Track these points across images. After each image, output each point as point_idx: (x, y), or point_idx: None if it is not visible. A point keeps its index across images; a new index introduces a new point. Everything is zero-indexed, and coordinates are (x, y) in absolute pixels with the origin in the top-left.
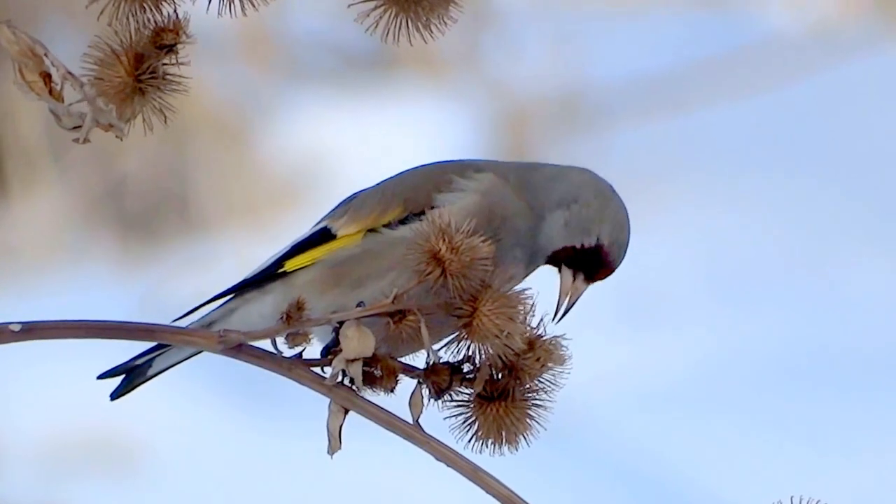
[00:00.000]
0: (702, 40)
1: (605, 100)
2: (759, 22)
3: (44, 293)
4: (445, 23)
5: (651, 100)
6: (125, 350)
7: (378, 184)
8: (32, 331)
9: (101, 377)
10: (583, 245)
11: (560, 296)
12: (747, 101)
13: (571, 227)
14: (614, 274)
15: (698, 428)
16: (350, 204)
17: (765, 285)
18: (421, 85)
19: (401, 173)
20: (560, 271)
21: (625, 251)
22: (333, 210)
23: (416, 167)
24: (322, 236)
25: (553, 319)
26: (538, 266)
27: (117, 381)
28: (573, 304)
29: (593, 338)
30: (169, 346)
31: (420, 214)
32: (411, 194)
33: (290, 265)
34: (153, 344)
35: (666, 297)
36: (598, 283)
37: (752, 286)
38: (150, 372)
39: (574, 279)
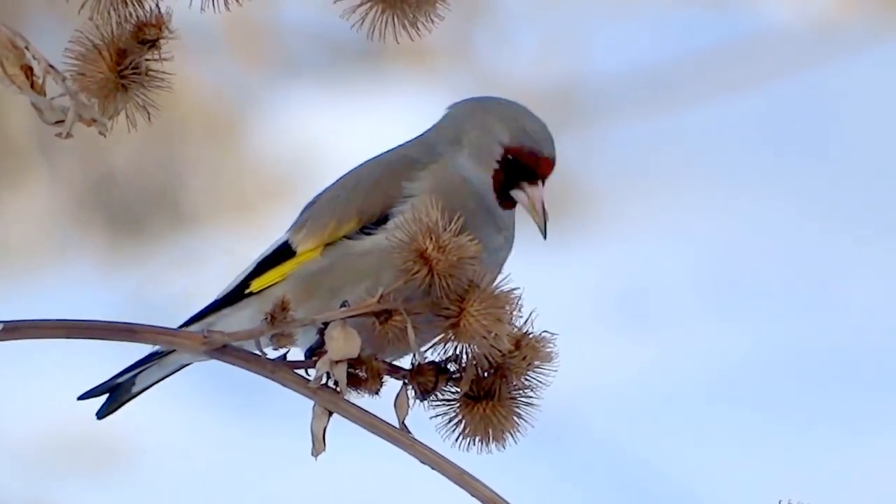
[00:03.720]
0: (700, 33)
1: (599, 94)
2: (759, 15)
3: (31, 290)
4: (432, 20)
5: (647, 95)
6: (113, 349)
7: (333, 185)
8: (13, 330)
9: (82, 397)
10: (498, 162)
11: (532, 215)
12: (746, 97)
13: (479, 160)
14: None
15: (693, 434)
16: (309, 213)
17: (765, 288)
18: (413, 77)
19: (353, 171)
20: (514, 197)
21: (538, 133)
22: (297, 218)
23: (366, 163)
24: (284, 253)
25: (544, 238)
26: (510, 219)
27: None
28: (543, 212)
29: (585, 342)
30: (151, 362)
31: (377, 224)
32: (364, 205)
33: (256, 285)
34: (134, 361)
35: (662, 300)
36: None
37: (752, 289)
38: (135, 389)
39: (525, 192)
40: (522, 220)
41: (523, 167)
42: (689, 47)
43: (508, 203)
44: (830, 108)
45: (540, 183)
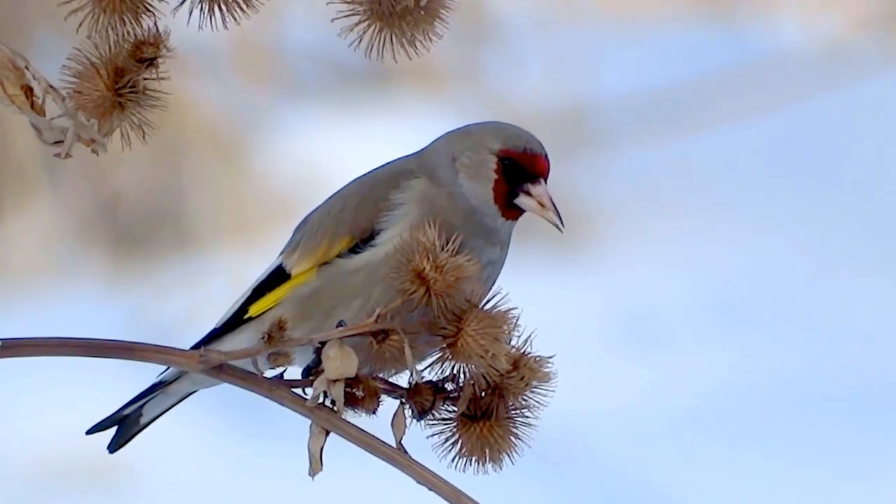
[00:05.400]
0: (708, 58)
1: (607, 118)
2: (768, 39)
3: (35, 308)
4: (430, 39)
5: (655, 118)
6: (117, 369)
7: (323, 204)
8: (12, 348)
9: (90, 431)
10: (496, 173)
11: (543, 215)
12: (754, 121)
13: (475, 175)
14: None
15: (699, 457)
16: (302, 233)
17: (768, 314)
18: (419, 99)
19: (343, 189)
20: (520, 206)
21: (524, 135)
22: (289, 240)
23: (356, 181)
24: (278, 276)
25: (561, 230)
26: (508, 231)
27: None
28: (553, 207)
29: (588, 364)
30: (156, 391)
31: (369, 240)
32: (354, 221)
33: (254, 310)
34: (139, 392)
35: (665, 323)
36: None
37: (755, 314)
38: (143, 420)
39: (529, 195)
40: (524, 240)
41: (521, 169)
42: (697, 71)
43: (511, 213)
44: (838, 132)
45: (542, 181)
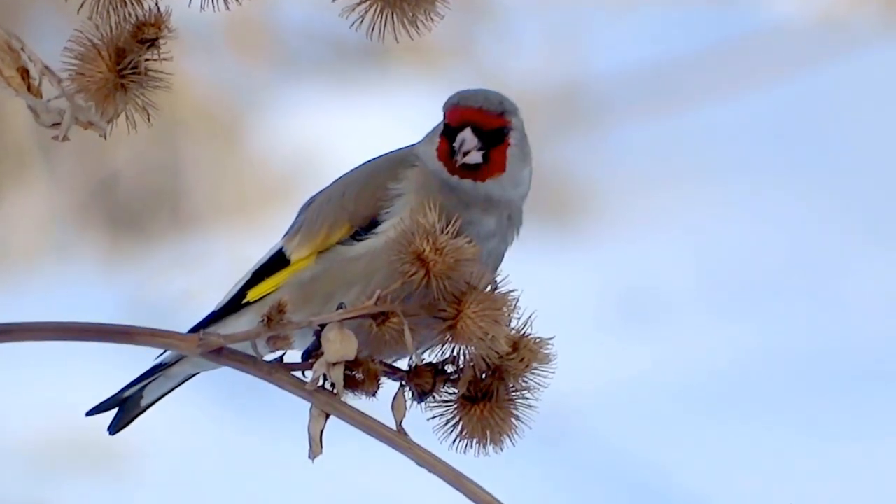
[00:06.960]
0: (703, 32)
1: (602, 94)
2: (763, 12)
3: (32, 291)
4: (432, 19)
5: (650, 94)
6: (116, 351)
7: (326, 189)
8: (8, 332)
9: (90, 413)
10: (440, 139)
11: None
12: (749, 96)
13: (431, 143)
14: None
15: (695, 435)
16: (303, 219)
17: (767, 289)
18: (416, 77)
19: (343, 176)
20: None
21: (457, 93)
22: (293, 223)
23: (357, 168)
24: (278, 261)
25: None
26: (498, 195)
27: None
28: (460, 145)
29: (587, 343)
30: (157, 373)
31: (368, 229)
32: (354, 209)
33: (252, 294)
34: (140, 373)
35: (664, 300)
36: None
37: (754, 289)
38: (144, 402)
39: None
40: (527, 223)
41: (448, 127)
42: (692, 46)
43: (465, 172)
44: (835, 105)
45: (467, 128)
